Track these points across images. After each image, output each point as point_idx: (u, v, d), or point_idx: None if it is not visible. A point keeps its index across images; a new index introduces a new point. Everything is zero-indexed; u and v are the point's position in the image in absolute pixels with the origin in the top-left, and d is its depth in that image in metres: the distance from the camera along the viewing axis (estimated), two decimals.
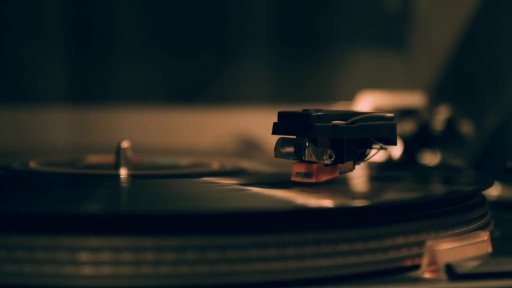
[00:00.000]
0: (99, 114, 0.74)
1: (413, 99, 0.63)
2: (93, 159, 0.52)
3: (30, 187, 0.41)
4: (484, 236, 0.35)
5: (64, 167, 0.49)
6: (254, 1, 0.77)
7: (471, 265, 0.33)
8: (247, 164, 0.51)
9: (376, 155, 0.40)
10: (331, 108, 0.64)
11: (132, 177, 0.44)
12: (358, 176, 0.43)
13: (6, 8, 0.73)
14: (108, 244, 0.30)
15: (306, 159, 0.37)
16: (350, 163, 0.40)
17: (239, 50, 0.77)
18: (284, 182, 0.39)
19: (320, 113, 0.37)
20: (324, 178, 0.38)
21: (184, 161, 0.52)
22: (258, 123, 0.69)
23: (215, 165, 0.49)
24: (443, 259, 0.33)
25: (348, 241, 0.32)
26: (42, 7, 0.73)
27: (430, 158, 0.59)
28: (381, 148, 0.40)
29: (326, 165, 0.38)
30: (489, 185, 0.41)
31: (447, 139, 0.59)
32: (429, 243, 0.33)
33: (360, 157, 0.40)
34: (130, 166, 0.45)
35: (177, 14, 0.76)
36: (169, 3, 0.76)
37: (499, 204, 0.50)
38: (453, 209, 0.36)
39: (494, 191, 0.52)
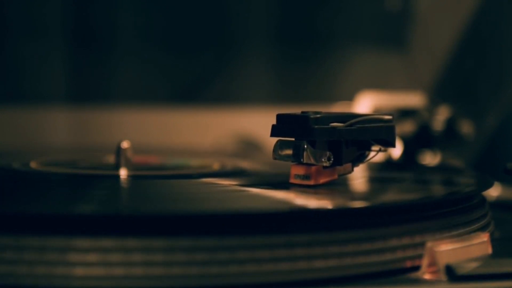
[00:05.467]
0: (99, 114, 0.74)
1: (413, 99, 0.63)
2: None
3: (30, 187, 0.41)
4: (484, 237, 0.35)
5: (64, 167, 0.49)
6: (254, 1, 0.77)
7: (471, 266, 0.33)
8: (247, 165, 0.51)
9: (375, 156, 0.40)
10: (331, 109, 0.64)
11: (131, 177, 0.44)
12: (358, 177, 0.43)
13: (6, 8, 0.73)
14: (107, 245, 0.30)
15: (304, 162, 0.37)
16: (349, 165, 0.40)
17: (240, 50, 0.77)
18: (284, 183, 0.39)
19: (318, 116, 0.37)
20: (322, 180, 0.38)
21: (190, 162, 0.52)
22: (259, 124, 0.69)
23: (215, 166, 0.49)
24: (443, 260, 0.33)
25: (348, 242, 0.32)
26: (42, 7, 0.73)
27: (430, 159, 0.59)
28: (380, 150, 0.40)
29: (324, 167, 0.38)
30: (489, 186, 0.41)
31: (447, 139, 0.59)
32: (429, 244, 0.33)
33: (359, 159, 0.40)
34: (130, 166, 0.45)
35: (177, 14, 0.76)
36: (170, 3, 0.75)
37: (499, 204, 0.50)
38: (453, 210, 0.36)
39: (494, 191, 0.52)
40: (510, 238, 0.41)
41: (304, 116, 0.37)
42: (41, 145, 0.71)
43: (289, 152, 0.38)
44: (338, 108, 0.69)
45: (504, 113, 0.63)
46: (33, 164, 0.48)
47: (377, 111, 0.61)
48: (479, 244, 0.35)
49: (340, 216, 0.33)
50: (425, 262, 0.33)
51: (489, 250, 0.35)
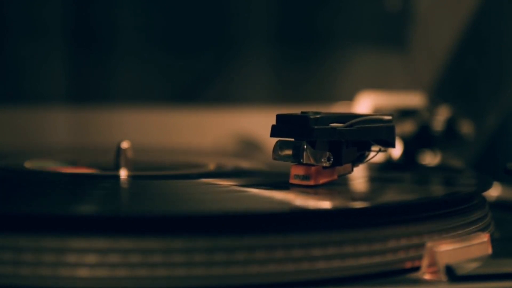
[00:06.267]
0: (99, 114, 0.74)
1: (413, 99, 0.63)
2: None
3: (30, 187, 0.41)
4: (484, 237, 0.35)
5: (64, 167, 0.49)
6: (254, 1, 0.77)
7: (471, 267, 0.33)
8: (247, 165, 0.51)
9: (375, 156, 0.40)
10: (331, 109, 0.64)
11: (131, 177, 0.44)
12: (358, 177, 0.43)
13: (6, 8, 0.73)
14: (108, 246, 0.30)
15: (304, 162, 0.37)
16: (349, 165, 0.39)
17: (240, 50, 0.77)
18: (283, 184, 0.39)
19: (318, 116, 0.37)
20: (322, 180, 0.38)
21: (184, 161, 0.52)
22: (258, 124, 0.69)
23: (215, 166, 0.49)
24: (443, 261, 0.33)
25: (348, 243, 0.32)
26: (42, 7, 0.73)
27: (430, 159, 0.59)
28: (380, 150, 0.40)
29: (324, 167, 0.38)
30: (489, 186, 0.41)
31: (447, 139, 0.59)
32: (429, 244, 0.33)
33: (359, 159, 0.40)
34: (130, 166, 0.45)
35: (177, 14, 0.76)
36: (170, 3, 0.75)
37: (499, 205, 0.50)
38: (453, 211, 0.36)
39: (494, 192, 0.52)
40: (510, 238, 0.41)
41: (304, 116, 0.37)
42: (41, 145, 0.71)
43: (289, 152, 0.38)
44: (338, 108, 0.69)
45: (504, 113, 0.63)
46: (33, 164, 0.48)
47: (377, 111, 0.61)
48: (479, 245, 0.35)
49: (340, 216, 0.33)
50: (425, 262, 0.33)
51: (489, 251, 0.35)
